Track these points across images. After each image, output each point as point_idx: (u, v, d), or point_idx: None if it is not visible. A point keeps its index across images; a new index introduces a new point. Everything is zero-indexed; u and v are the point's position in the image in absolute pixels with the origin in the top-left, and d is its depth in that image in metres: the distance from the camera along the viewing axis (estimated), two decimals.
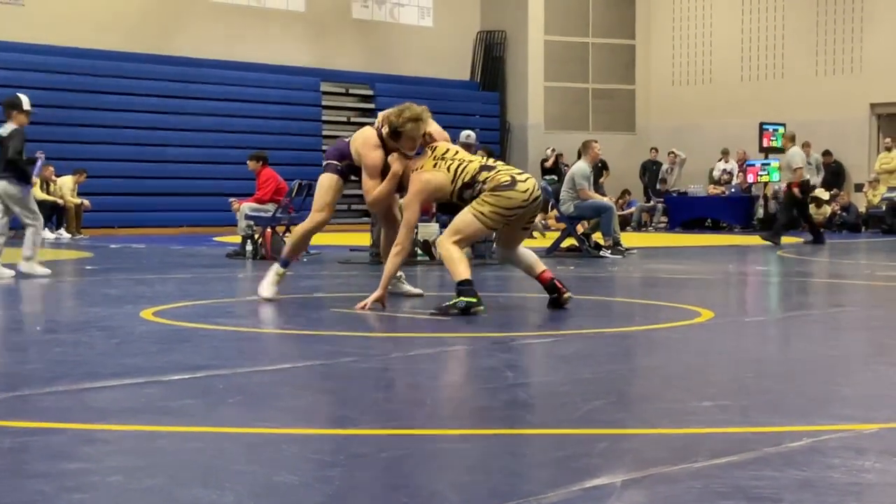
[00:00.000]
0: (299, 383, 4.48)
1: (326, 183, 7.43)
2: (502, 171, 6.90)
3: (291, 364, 4.92)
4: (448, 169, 6.91)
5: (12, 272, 9.84)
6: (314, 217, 7.49)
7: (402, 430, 3.58)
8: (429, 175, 6.95)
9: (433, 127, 7.12)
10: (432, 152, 7.01)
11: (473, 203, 6.81)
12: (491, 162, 7.10)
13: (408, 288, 7.63)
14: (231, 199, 14.10)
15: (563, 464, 3.12)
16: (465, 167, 6.91)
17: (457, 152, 7.06)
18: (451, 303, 6.53)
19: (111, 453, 3.22)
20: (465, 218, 6.84)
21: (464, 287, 6.54)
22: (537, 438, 3.50)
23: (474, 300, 6.49)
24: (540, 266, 7.01)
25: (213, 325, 6.24)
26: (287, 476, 2.94)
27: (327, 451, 3.24)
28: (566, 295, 6.88)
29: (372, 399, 4.26)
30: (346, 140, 7.50)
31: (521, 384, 4.53)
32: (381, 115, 7.23)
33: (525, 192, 6.79)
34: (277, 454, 3.21)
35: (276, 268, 7.57)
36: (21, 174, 10.12)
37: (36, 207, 10.39)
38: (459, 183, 6.86)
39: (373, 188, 7.11)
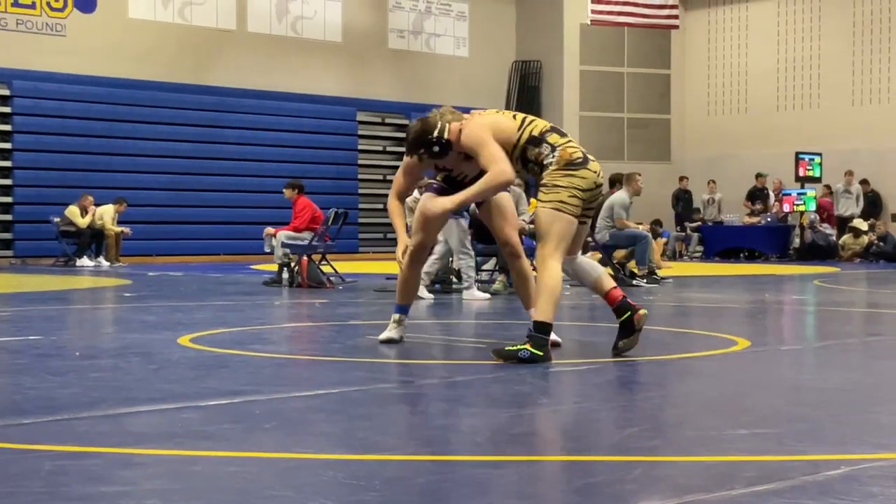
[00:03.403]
0: (335, 409, 4.48)
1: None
2: (573, 143, 5.91)
3: (327, 390, 4.92)
4: (514, 117, 5.96)
5: (487, 295, 10.64)
6: (411, 242, 6.54)
7: (438, 456, 3.58)
8: (495, 115, 5.99)
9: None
10: (482, 112, 6.11)
11: (544, 194, 5.76)
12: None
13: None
14: (267, 230, 14.14)
15: (598, 490, 3.11)
16: (534, 120, 5.97)
17: (514, 113, 6.09)
18: (515, 348, 5.67)
19: (148, 477, 3.24)
20: (547, 215, 5.73)
21: (539, 334, 5.64)
22: (572, 465, 3.49)
23: (540, 354, 5.58)
24: (609, 281, 6.01)
25: (250, 352, 6.26)
26: (322, 501, 2.94)
27: (363, 477, 3.24)
28: (642, 311, 5.90)
29: (407, 425, 4.27)
30: None
31: (556, 411, 4.52)
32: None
33: (595, 172, 5.85)
34: (313, 479, 3.21)
35: (394, 317, 6.60)
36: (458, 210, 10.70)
37: (469, 244, 11.27)
38: (526, 135, 5.85)
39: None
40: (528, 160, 5.89)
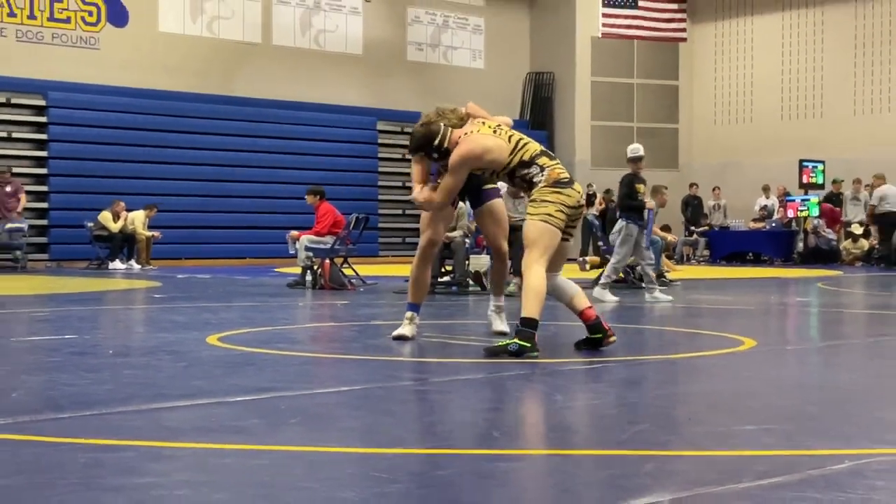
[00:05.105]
0: (358, 405, 4.56)
1: None
2: (560, 165, 6.32)
3: (350, 387, 5.01)
4: (509, 139, 6.30)
5: (670, 297, 11.01)
6: (420, 243, 7.01)
7: (458, 450, 3.68)
8: (490, 140, 6.28)
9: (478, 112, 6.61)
10: (482, 125, 6.40)
11: (533, 208, 6.16)
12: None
13: (498, 324, 7.17)
14: (290, 234, 14.23)
15: (612, 483, 3.19)
16: (527, 143, 6.31)
17: (510, 128, 6.45)
18: (503, 343, 6.03)
19: (179, 469, 3.32)
20: (536, 227, 6.13)
21: (525, 329, 5.93)
22: (586, 459, 3.58)
23: (528, 345, 5.89)
24: (584, 301, 6.33)
25: (276, 350, 6.36)
26: (347, 493, 3.02)
27: (386, 470, 3.31)
28: (612, 339, 6.28)
29: (428, 420, 4.37)
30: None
31: (570, 407, 4.61)
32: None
33: (579, 192, 6.27)
34: (338, 472, 3.30)
35: (406, 315, 7.00)
36: (638, 216, 11.34)
37: (647, 249, 11.58)
38: (518, 158, 6.24)
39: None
40: (515, 177, 6.31)
